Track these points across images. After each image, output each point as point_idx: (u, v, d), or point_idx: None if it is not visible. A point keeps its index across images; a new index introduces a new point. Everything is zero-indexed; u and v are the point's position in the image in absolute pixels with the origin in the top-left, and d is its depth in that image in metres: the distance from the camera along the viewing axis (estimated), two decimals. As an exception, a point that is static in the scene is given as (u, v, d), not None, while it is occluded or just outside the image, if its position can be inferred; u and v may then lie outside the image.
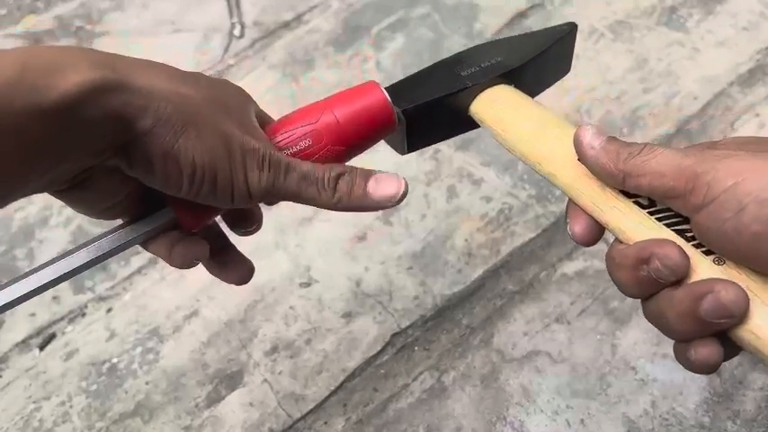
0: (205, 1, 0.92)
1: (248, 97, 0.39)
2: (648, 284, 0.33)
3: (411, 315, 0.62)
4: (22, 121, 0.27)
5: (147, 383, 0.61)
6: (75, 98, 0.28)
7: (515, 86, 0.43)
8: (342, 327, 0.63)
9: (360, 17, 0.87)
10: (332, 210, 0.38)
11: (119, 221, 0.38)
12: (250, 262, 0.44)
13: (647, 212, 0.35)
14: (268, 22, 0.88)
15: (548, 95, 0.77)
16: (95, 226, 0.72)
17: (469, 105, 0.42)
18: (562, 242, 0.65)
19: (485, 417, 0.56)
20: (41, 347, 0.65)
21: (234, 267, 0.44)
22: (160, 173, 0.33)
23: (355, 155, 0.41)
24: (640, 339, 0.59)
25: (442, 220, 0.68)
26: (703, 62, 0.76)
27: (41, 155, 0.29)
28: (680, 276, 0.32)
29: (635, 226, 0.35)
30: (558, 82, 0.77)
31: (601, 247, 0.63)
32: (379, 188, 0.39)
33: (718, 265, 0.32)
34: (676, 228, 0.34)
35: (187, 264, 0.39)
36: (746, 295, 0.30)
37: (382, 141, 0.44)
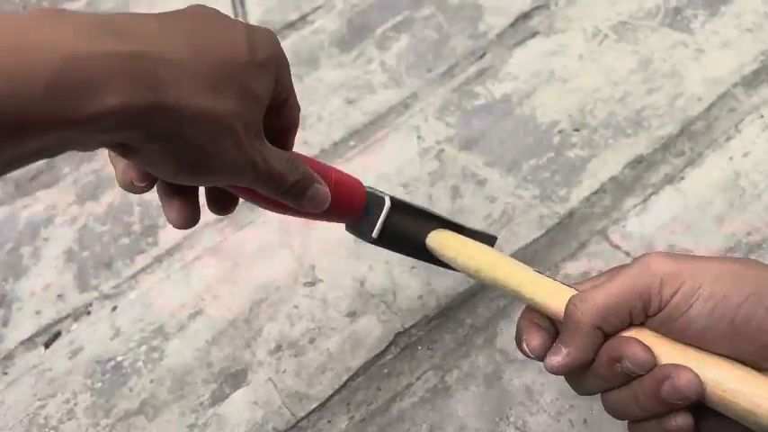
0: (210, 2, 0.92)
1: (278, 80, 0.38)
2: (622, 378, 0.37)
3: (415, 315, 0.63)
4: (36, 130, 0.26)
5: (151, 382, 0.61)
6: (102, 119, 0.27)
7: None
8: (346, 326, 0.63)
9: (364, 17, 0.88)
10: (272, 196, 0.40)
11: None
12: (198, 212, 0.40)
13: None
14: (273, 23, 0.88)
15: (552, 96, 0.77)
16: (100, 224, 0.73)
17: (427, 234, 0.52)
18: (565, 242, 0.65)
19: (488, 416, 0.56)
20: (47, 345, 0.65)
21: (179, 205, 0.39)
22: (153, 170, 0.34)
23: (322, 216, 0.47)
24: (644, 340, 0.59)
25: (445, 220, 0.68)
26: (708, 63, 0.76)
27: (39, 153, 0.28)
28: (648, 369, 0.36)
29: None
30: (562, 83, 0.77)
31: (603, 246, 0.64)
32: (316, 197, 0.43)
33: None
34: None
35: (126, 182, 0.37)
36: (698, 378, 0.34)
37: None
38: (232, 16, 0.89)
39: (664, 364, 0.35)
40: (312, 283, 0.66)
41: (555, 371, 0.39)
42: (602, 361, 0.37)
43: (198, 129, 0.31)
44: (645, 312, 0.36)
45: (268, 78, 0.37)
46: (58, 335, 0.66)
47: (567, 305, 0.38)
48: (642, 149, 0.71)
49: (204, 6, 0.35)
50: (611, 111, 0.74)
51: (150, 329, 0.65)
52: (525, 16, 0.85)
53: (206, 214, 0.44)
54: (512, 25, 0.84)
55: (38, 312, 0.67)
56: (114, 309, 0.67)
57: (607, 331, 0.37)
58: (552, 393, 0.57)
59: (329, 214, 0.47)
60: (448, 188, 0.71)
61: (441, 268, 0.62)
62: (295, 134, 0.45)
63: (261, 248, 0.68)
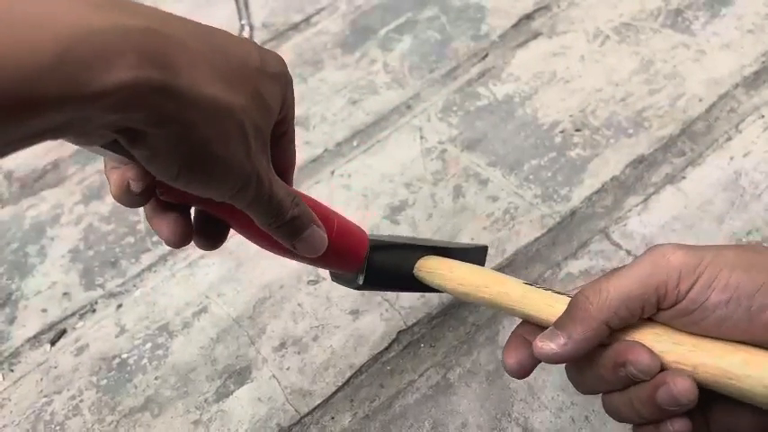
0: (214, 3, 0.93)
1: (283, 96, 0.38)
2: (626, 381, 0.37)
3: (417, 312, 0.63)
4: (44, 105, 0.25)
5: (156, 379, 0.62)
6: (111, 94, 0.26)
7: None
8: (349, 324, 0.63)
9: (367, 19, 0.88)
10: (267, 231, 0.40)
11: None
12: (191, 229, 0.39)
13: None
14: (277, 24, 0.89)
15: (553, 97, 0.78)
16: (106, 223, 0.73)
17: (414, 264, 0.52)
18: (567, 242, 0.65)
19: (490, 413, 0.57)
20: (53, 343, 0.66)
21: (172, 219, 0.39)
22: (157, 164, 0.32)
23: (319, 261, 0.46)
24: (645, 338, 0.59)
25: (448, 220, 0.69)
26: (709, 64, 0.77)
27: (44, 132, 0.26)
28: (652, 376, 0.35)
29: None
30: (564, 83, 0.78)
31: (605, 245, 0.64)
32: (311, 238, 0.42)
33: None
34: None
35: (122, 188, 0.36)
36: (694, 384, 0.34)
37: None
38: (236, 17, 0.89)
39: (660, 374, 0.35)
40: (316, 282, 0.66)
41: (546, 358, 0.37)
42: (605, 364, 0.37)
43: (207, 118, 0.30)
44: (658, 305, 0.36)
45: (278, 91, 0.36)
46: (63, 332, 0.66)
47: (576, 295, 0.37)
48: (643, 149, 0.71)
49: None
50: (612, 111, 0.75)
51: (155, 327, 0.65)
52: (527, 17, 0.85)
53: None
54: (514, 26, 0.85)
55: (44, 310, 0.68)
56: (119, 307, 0.67)
57: (615, 326, 0.36)
58: (554, 390, 0.57)
59: (325, 261, 0.45)
60: (450, 188, 0.71)
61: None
62: (293, 173, 0.44)
63: (265, 247, 0.69)
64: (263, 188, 0.36)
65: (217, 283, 0.67)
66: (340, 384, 0.60)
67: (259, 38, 0.87)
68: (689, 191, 0.67)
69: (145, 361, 0.63)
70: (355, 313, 0.64)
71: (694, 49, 0.79)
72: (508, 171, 0.72)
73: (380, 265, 0.50)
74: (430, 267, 0.51)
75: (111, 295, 0.68)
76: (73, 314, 0.67)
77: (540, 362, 0.39)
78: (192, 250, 0.70)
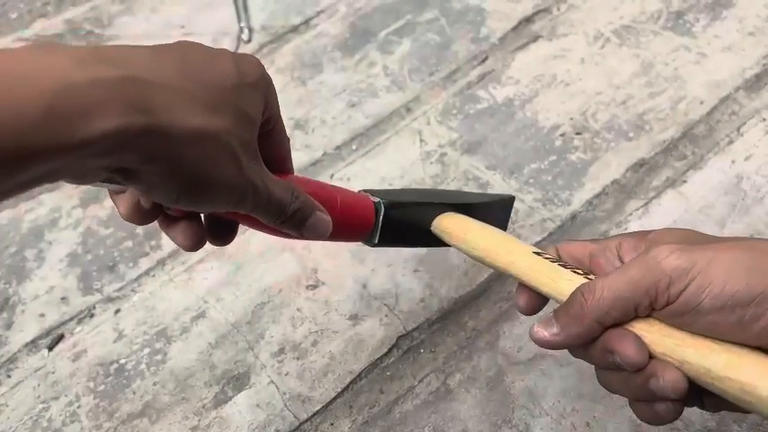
0: (214, 5, 0.93)
1: (267, 107, 0.39)
2: (613, 367, 0.38)
3: (417, 318, 0.63)
4: (33, 158, 0.26)
5: (154, 384, 0.62)
6: (98, 142, 0.28)
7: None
8: (348, 329, 0.63)
9: (367, 22, 0.88)
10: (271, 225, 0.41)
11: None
12: (204, 233, 0.42)
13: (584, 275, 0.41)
14: (276, 27, 0.89)
15: (554, 100, 0.77)
16: (104, 227, 0.73)
17: (432, 221, 0.52)
18: (568, 246, 0.65)
19: (490, 419, 0.56)
20: (50, 348, 0.65)
21: (184, 227, 0.41)
22: (155, 194, 0.34)
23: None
24: (646, 343, 0.59)
25: (448, 224, 0.68)
26: (710, 67, 0.77)
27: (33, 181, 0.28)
28: (639, 368, 0.36)
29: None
30: (564, 86, 0.77)
31: (607, 250, 0.63)
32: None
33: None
34: None
35: (131, 209, 0.39)
36: (683, 378, 0.35)
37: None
38: (235, 20, 0.89)
39: (651, 362, 0.36)
40: (315, 287, 0.66)
41: (539, 343, 0.40)
42: (597, 348, 0.38)
43: (195, 148, 0.32)
44: (651, 307, 0.37)
45: (258, 99, 0.38)
46: (61, 337, 0.66)
47: (574, 292, 0.39)
48: (644, 153, 0.71)
49: (190, 41, 0.36)
50: (613, 114, 0.74)
51: (153, 332, 0.65)
52: (527, 20, 0.85)
53: (209, 217, 0.44)
54: (514, 29, 0.84)
55: (41, 315, 0.67)
56: (117, 312, 0.67)
57: (607, 323, 0.38)
58: (555, 396, 0.57)
59: (337, 236, 0.46)
60: (450, 191, 0.71)
61: (444, 271, 0.62)
62: (290, 163, 0.45)
63: (264, 252, 0.68)
64: (261, 194, 0.37)
65: (215, 287, 0.67)
66: (339, 390, 0.59)
67: (258, 40, 0.87)
68: (690, 194, 0.67)
69: (143, 366, 0.63)
70: (354, 318, 0.63)
71: (695, 52, 0.78)
72: (508, 174, 0.71)
73: (396, 223, 0.51)
74: (446, 227, 0.52)
75: (110, 300, 0.68)
76: (71, 319, 0.67)
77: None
78: (190, 255, 0.69)
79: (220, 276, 0.68)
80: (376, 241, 0.51)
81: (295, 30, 0.88)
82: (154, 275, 0.69)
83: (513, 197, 0.60)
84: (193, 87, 0.33)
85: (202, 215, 0.42)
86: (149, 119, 0.29)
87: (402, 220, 0.51)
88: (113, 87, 0.28)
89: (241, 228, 0.69)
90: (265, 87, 0.39)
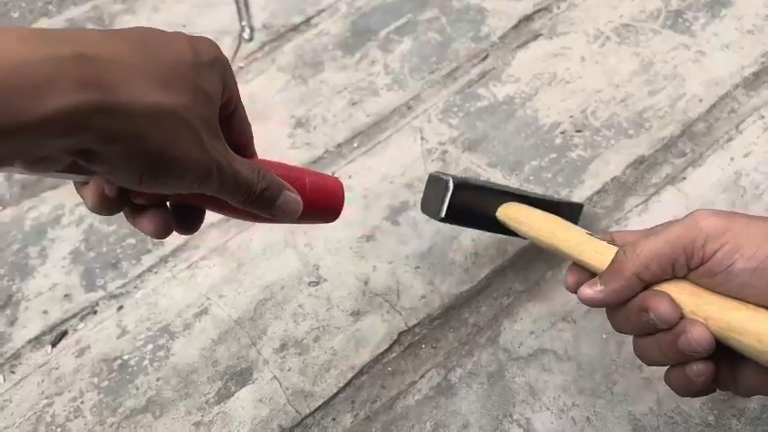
0: (215, 4, 0.93)
1: (224, 83, 0.39)
2: (649, 327, 0.40)
3: (418, 313, 0.63)
4: None
5: (157, 380, 0.62)
6: (54, 121, 0.27)
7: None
8: (350, 325, 0.63)
9: (368, 20, 0.88)
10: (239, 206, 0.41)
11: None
12: (171, 220, 0.41)
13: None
14: (277, 26, 0.89)
15: (554, 98, 0.78)
16: (107, 224, 0.73)
17: (498, 208, 0.58)
18: (568, 242, 0.65)
19: (491, 414, 0.57)
20: (54, 344, 0.66)
21: (150, 215, 0.40)
22: (118, 176, 0.33)
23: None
24: (646, 338, 0.59)
25: (449, 221, 0.69)
26: (709, 65, 0.77)
27: None
28: (671, 325, 0.39)
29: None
30: (564, 84, 0.78)
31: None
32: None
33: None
34: None
35: (97, 197, 0.38)
36: (708, 333, 0.38)
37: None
38: (237, 19, 0.90)
39: (681, 322, 0.39)
40: (316, 283, 0.66)
41: (584, 301, 0.43)
42: (632, 308, 0.41)
43: (154, 125, 0.31)
44: (688, 266, 0.39)
45: (216, 78, 0.37)
46: (64, 334, 0.66)
47: (618, 251, 0.42)
48: (644, 150, 0.71)
49: (144, 26, 0.36)
50: (612, 112, 0.75)
51: (156, 328, 0.65)
52: (528, 19, 0.85)
53: (211, 213, 0.44)
54: (514, 28, 0.85)
55: (45, 312, 0.67)
56: (120, 308, 0.67)
57: (647, 280, 0.40)
58: (555, 391, 0.57)
59: (308, 217, 0.46)
60: (451, 189, 0.71)
61: (444, 268, 0.62)
62: (252, 146, 0.45)
63: (266, 248, 0.69)
64: (226, 172, 0.37)
65: (218, 284, 0.67)
66: (341, 385, 0.60)
67: (260, 39, 0.87)
68: (689, 191, 0.67)
69: (146, 362, 0.63)
70: (356, 314, 0.64)
71: (694, 50, 0.79)
72: (509, 172, 0.72)
73: (463, 202, 0.56)
74: (509, 213, 0.57)
75: (113, 297, 0.68)
76: (74, 315, 0.67)
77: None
78: (193, 252, 0.70)
79: (223, 273, 0.68)
80: (443, 216, 0.55)
81: (296, 28, 0.88)
82: (156, 272, 0.69)
83: (583, 204, 0.64)
84: (148, 66, 0.32)
85: (169, 204, 0.42)
86: (105, 96, 0.29)
87: (467, 201, 0.56)
88: (66, 64, 0.28)
89: (242, 226, 0.70)
90: (222, 68, 0.38)
